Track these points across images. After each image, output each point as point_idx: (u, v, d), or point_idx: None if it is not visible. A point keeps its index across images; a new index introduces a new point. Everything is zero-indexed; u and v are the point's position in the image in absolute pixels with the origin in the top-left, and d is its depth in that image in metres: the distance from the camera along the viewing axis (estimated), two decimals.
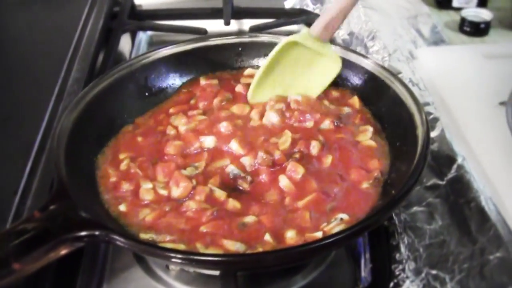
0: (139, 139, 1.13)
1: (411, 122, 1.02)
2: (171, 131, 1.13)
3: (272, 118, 1.12)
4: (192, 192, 0.98)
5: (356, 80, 1.20)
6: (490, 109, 1.22)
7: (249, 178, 1.01)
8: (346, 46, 1.48)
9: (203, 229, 0.92)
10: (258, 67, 1.26)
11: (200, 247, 0.89)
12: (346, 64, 1.20)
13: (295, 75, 1.19)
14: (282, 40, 1.16)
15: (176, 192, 0.99)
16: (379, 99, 1.14)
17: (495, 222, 0.96)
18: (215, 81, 1.26)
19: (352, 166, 1.04)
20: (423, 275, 0.95)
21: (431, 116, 1.18)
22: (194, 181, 0.99)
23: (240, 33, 1.65)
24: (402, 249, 1.00)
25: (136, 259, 1.03)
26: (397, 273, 0.97)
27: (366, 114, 1.15)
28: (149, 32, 1.79)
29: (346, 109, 1.16)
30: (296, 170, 1.01)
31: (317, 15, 1.67)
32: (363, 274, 1.01)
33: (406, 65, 1.37)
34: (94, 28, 1.58)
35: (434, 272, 0.95)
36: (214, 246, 0.89)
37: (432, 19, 1.64)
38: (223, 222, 0.93)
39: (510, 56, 1.40)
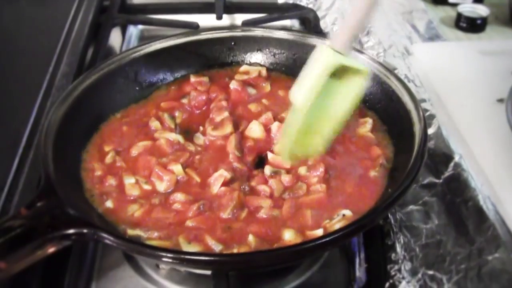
0: (125, 128, 1.12)
1: (408, 119, 1.01)
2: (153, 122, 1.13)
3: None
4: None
5: None
6: (487, 106, 1.21)
7: (247, 188, 1.00)
8: None
9: (188, 223, 0.92)
10: (251, 63, 1.25)
11: (182, 241, 0.89)
12: None
13: (326, 108, 0.95)
14: (320, 71, 0.90)
15: (161, 186, 0.99)
16: (375, 95, 1.13)
17: (494, 222, 0.96)
18: (205, 78, 1.24)
19: (356, 157, 1.04)
20: (419, 275, 0.94)
21: (427, 113, 1.17)
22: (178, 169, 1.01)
23: (233, 27, 1.63)
24: (398, 249, 0.99)
25: (125, 257, 1.01)
26: (392, 273, 0.96)
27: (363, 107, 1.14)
28: (140, 26, 1.77)
29: None
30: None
31: (311, 10, 1.65)
32: (357, 274, 0.99)
33: (402, 61, 1.36)
34: (83, 22, 1.56)
35: (430, 272, 0.93)
36: (196, 242, 0.89)
37: (427, 15, 1.63)
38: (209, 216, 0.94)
39: (506, 53, 1.39)
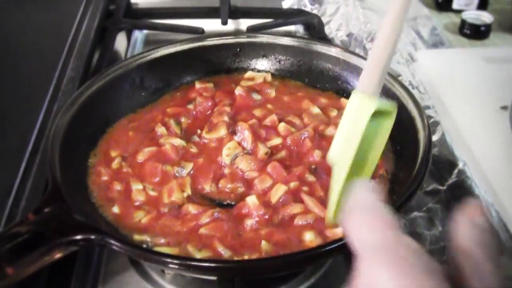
0: (131, 133, 1.12)
1: (412, 126, 1.01)
2: (159, 128, 1.13)
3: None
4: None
5: (355, 82, 1.18)
6: (491, 114, 1.21)
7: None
8: (345, 48, 1.47)
9: (202, 231, 0.92)
10: (256, 69, 1.25)
11: (192, 250, 0.88)
12: (346, 66, 1.20)
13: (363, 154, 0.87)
14: (363, 121, 0.80)
15: (168, 199, 0.99)
16: None
17: (497, 230, 0.95)
18: (210, 85, 1.24)
19: None
20: None
21: (432, 120, 1.17)
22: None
23: (238, 33, 1.63)
24: None
25: (131, 262, 1.01)
26: None
27: None
28: (145, 31, 1.77)
29: (334, 112, 1.15)
30: None
31: (315, 16, 1.66)
32: None
33: (406, 68, 1.36)
34: (89, 26, 1.56)
35: None
36: (206, 249, 0.89)
37: (431, 21, 1.63)
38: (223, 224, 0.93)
39: (510, 60, 1.39)
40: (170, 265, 0.80)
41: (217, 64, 1.29)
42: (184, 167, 1.04)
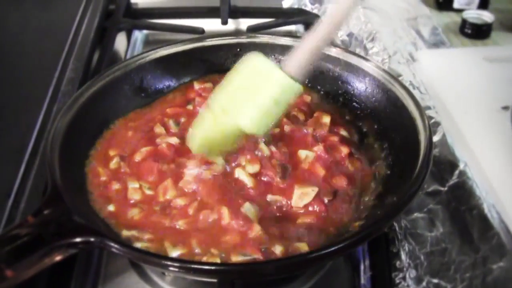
0: (130, 133, 1.12)
1: (413, 126, 1.01)
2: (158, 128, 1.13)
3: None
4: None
5: (356, 82, 1.18)
6: (493, 114, 1.21)
7: None
8: (346, 48, 1.47)
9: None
10: None
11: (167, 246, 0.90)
12: (347, 66, 1.19)
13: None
14: (285, 103, 0.95)
15: (163, 197, 0.99)
16: (380, 103, 1.13)
17: (498, 231, 0.95)
18: (209, 85, 1.24)
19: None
20: (424, 283, 0.94)
21: (432, 121, 1.17)
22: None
23: (238, 33, 1.63)
24: (403, 256, 0.98)
25: (131, 263, 1.01)
26: (397, 281, 0.96)
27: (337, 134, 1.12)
28: (145, 31, 1.77)
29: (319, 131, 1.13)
30: None
31: (316, 15, 1.66)
32: (362, 281, 1.00)
33: (407, 68, 1.35)
34: (89, 27, 1.56)
35: (435, 281, 0.94)
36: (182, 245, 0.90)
37: (432, 21, 1.62)
38: None
39: (511, 60, 1.39)
40: (170, 268, 0.80)
41: (217, 64, 1.28)
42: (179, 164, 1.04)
